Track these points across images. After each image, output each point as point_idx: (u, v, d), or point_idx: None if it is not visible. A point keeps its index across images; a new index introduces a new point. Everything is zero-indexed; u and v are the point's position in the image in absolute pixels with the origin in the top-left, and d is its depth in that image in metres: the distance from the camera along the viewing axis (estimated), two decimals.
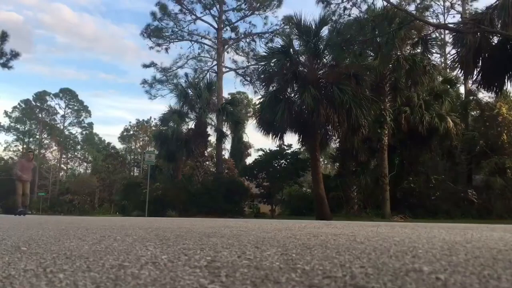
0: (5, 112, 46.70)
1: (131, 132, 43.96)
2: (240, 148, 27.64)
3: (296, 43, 12.42)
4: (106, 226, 2.03)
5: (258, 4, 22.94)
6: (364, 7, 13.20)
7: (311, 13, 36.01)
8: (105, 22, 71.81)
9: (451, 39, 10.36)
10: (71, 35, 69.17)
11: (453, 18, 25.55)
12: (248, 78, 23.87)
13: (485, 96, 15.30)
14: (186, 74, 21.45)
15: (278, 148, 18.20)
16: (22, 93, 73.80)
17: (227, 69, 24.13)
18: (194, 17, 23.74)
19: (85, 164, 49.10)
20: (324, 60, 12.40)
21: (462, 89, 17.23)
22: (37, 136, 47.46)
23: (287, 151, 18.57)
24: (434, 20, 19.48)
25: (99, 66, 74.22)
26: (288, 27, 18.70)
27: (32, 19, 66.01)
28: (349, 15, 12.99)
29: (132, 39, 73.30)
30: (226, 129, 18.80)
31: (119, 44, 70.42)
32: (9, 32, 14.75)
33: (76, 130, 49.13)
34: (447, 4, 22.26)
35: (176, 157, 17.75)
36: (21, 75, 66.57)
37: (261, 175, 19.17)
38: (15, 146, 48.29)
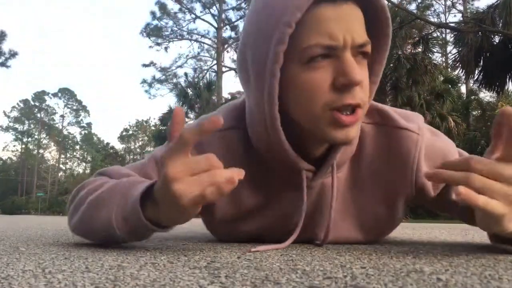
0: (4, 112, 46.70)
1: (130, 132, 43.99)
2: None
3: None
4: None
5: None
6: None
7: None
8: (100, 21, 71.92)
9: (452, 38, 10.36)
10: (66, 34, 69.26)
11: (454, 17, 25.62)
12: None
13: (486, 95, 15.34)
14: (185, 74, 21.48)
15: None
16: (21, 92, 73.88)
17: (227, 69, 24.15)
18: (193, 16, 23.78)
19: (84, 164, 49.14)
20: None
21: (463, 89, 17.25)
22: (36, 136, 47.47)
23: None
24: (435, 19, 19.50)
25: (96, 65, 74.30)
26: None
27: None
28: None
29: (129, 39, 73.43)
30: None
31: (116, 43, 70.56)
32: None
33: (75, 130, 49.17)
34: (448, 3, 22.29)
35: None
36: (19, 75, 66.66)
37: None
38: (14, 146, 48.33)
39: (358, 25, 0.64)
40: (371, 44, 0.67)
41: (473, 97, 15.35)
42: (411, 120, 0.81)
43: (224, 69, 23.17)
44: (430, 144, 0.81)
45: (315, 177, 0.76)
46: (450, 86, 14.37)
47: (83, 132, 48.49)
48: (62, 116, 47.47)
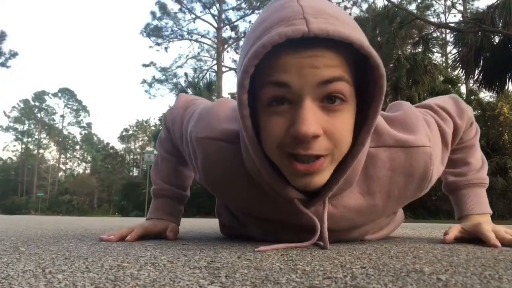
0: (4, 112, 46.62)
1: (130, 132, 43.91)
2: None
3: None
4: (105, 226, 2.03)
5: (258, 3, 22.94)
6: (364, 6, 13.21)
7: None
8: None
9: (452, 38, 10.33)
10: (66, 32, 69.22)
11: (454, 18, 25.59)
12: None
13: (486, 95, 15.32)
14: (185, 74, 21.46)
15: None
16: (21, 92, 73.82)
17: (227, 69, 24.13)
18: (193, 16, 23.77)
19: (84, 164, 49.10)
20: None
21: (463, 89, 17.23)
22: (36, 136, 47.40)
23: None
24: (435, 19, 19.47)
25: (96, 65, 74.29)
26: None
27: None
28: (350, 14, 12.97)
29: (129, 39, 73.45)
30: None
31: (116, 43, 70.58)
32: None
33: (75, 130, 49.05)
34: (448, 3, 22.28)
35: None
36: (19, 75, 66.64)
37: None
38: (14, 146, 48.29)
39: (322, 66, 0.60)
40: (368, 95, 0.64)
41: (473, 97, 15.33)
42: (417, 128, 0.80)
43: (224, 69, 23.17)
44: (439, 149, 0.84)
45: (308, 206, 0.75)
46: (450, 86, 14.35)
47: (83, 132, 48.48)
48: (62, 116, 47.43)
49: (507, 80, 8.37)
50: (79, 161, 49.81)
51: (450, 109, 0.95)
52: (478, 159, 1.05)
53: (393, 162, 0.78)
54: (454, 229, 0.95)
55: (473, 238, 0.91)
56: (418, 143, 0.78)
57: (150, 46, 24.65)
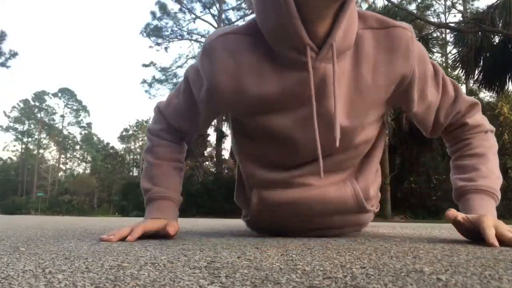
0: (4, 112, 46.61)
1: (130, 132, 43.92)
2: None
3: None
4: (105, 226, 2.03)
5: None
6: (364, 6, 13.20)
7: None
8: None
9: (452, 38, 10.34)
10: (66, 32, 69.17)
11: (454, 18, 25.60)
12: None
13: (486, 95, 15.33)
14: None
15: None
16: (21, 92, 73.83)
17: None
18: (193, 16, 23.79)
19: (84, 164, 49.11)
20: None
21: (463, 89, 17.24)
22: (36, 136, 47.40)
23: None
24: (435, 20, 19.47)
25: (96, 65, 74.29)
26: None
27: None
28: None
29: (129, 39, 73.43)
30: (226, 129, 18.80)
31: (116, 43, 70.56)
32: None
33: (75, 130, 49.03)
34: (448, 3, 22.29)
35: None
36: (19, 75, 66.63)
37: None
38: (14, 146, 48.30)
39: None
40: None
41: (473, 97, 15.32)
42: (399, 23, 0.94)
43: None
44: (417, 45, 0.95)
45: (318, 57, 0.86)
46: None
47: (83, 132, 48.48)
48: (62, 116, 47.42)
49: (507, 80, 8.38)
50: (79, 161, 49.84)
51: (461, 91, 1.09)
52: (490, 169, 1.06)
53: (376, 42, 0.91)
54: (458, 212, 0.95)
55: (473, 229, 0.90)
56: (398, 24, 0.92)
57: (150, 46, 24.75)
